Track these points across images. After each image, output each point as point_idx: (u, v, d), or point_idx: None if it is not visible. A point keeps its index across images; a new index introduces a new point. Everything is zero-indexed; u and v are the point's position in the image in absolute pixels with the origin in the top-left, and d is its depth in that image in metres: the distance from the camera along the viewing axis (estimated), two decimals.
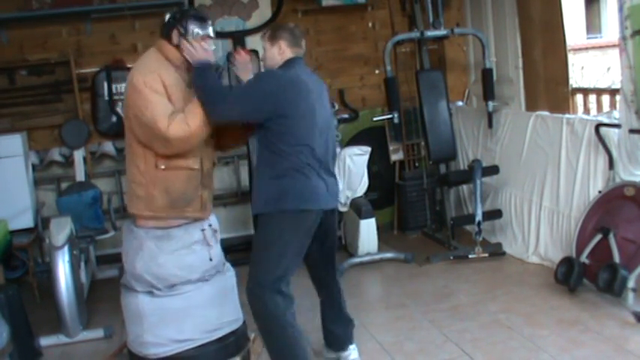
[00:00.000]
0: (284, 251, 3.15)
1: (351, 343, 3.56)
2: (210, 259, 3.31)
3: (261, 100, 3.06)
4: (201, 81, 3.07)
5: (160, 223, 3.21)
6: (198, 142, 3.11)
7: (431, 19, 5.39)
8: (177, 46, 3.14)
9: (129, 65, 5.27)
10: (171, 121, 2.98)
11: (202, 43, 3.13)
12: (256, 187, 3.26)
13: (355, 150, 5.28)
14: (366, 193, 5.37)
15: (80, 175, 5.47)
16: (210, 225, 3.33)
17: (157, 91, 3.02)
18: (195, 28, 3.12)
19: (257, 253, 3.20)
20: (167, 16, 3.21)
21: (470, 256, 4.99)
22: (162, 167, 3.12)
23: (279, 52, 3.25)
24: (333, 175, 3.34)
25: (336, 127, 5.72)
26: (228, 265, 3.50)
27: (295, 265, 3.24)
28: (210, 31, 3.20)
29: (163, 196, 3.15)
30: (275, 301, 3.13)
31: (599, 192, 4.25)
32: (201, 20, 3.16)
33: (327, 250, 3.46)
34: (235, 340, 3.38)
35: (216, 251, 3.37)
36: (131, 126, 3.12)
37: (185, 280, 3.22)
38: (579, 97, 5.42)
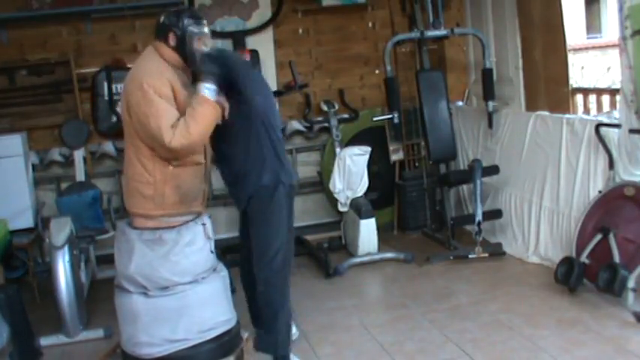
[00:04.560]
0: None
1: None
2: (202, 262, 3.32)
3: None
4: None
5: (160, 223, 3.22)
6: (201, 145, 3.18)
7: (431, 19, 5.38)
8: (175, 48, 3.17)
9: (129, 65, 5.25)
10: (174, 131, 2.99)
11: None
12: None
13: (355, 150, 5.28)
14: (366, 193, 5.37)
15: (80, 175, 5.46)
16: (203, 224, 3.35)
17: (164, 96, 3.04)
18: (191, 28, 3.16)
19: None
20: (162, 18, 3.23)
21: (470, 256, 4.98)
22: (174, 165, 3.16)
23: None
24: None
25: (335, 127, 5.78)
26: (221, 265, 3.51)
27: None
28: (206, 29, 3.25)
29: (175, 192, 3.19)
30: None
31: (599, 192, 4.24)
32: (197, 19, 3.21)
33: None
34: (229, 340, 3.38)
35: (209, 253, 3.39)
36: (135, 127, 3.12)
37: (176, 283, 3.22)
38: (579, 97, 5.42)
